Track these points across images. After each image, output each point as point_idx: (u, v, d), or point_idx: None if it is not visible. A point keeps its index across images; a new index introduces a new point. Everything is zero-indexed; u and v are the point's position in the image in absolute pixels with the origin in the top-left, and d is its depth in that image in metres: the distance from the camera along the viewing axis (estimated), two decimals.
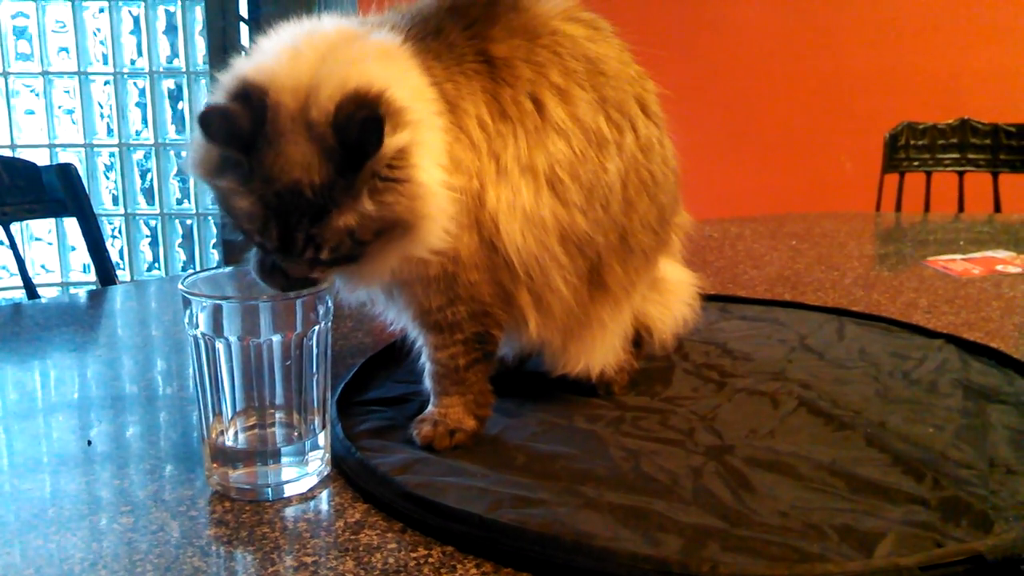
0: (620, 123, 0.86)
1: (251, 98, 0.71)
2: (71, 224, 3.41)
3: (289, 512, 0.74)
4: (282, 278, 0.77)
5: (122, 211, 3.46)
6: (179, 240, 3.56)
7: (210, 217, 3.49)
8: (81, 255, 3.42)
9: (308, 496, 0.77)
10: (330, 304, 0.78)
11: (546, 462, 0.81)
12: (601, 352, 0.92)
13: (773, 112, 2.91)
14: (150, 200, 3.50)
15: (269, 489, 0.77)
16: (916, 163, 2.23)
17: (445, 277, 0.82)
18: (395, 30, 0.81)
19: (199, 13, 3.34)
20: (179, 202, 3.51)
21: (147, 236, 3.54)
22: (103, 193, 3.46)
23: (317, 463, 0.79)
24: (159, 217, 3.50)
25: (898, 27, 2.86)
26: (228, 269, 0.83)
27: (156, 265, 3.54)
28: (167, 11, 3.36)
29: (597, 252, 0.86)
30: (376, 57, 0.75)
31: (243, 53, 0.80)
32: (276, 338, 0.75)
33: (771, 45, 2.89)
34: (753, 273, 1.49)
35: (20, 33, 3.36)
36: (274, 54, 0.75)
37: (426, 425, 0.85)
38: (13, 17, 3.34)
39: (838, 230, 1.84)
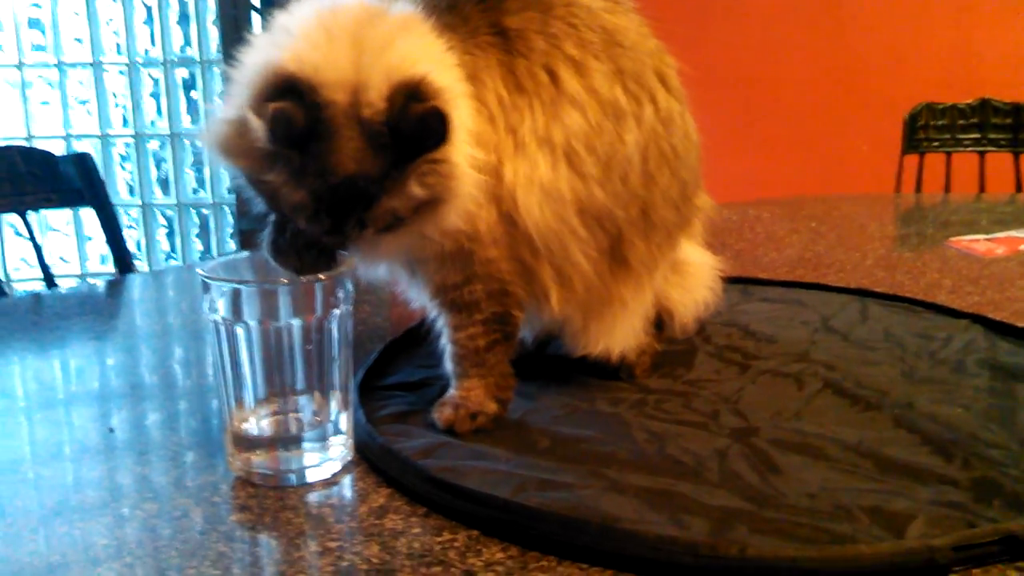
0: (638, 95, 0.85)
1: (303, 96, 0.70)
2: (88, 215, 3.46)
3: (312, 497, 0.74)
4: (296, 259, 0.77)
5: (139, 201, 3.47)
6: (196, 230, 3.57)
7: (226, 207, 3.50)
8: (99, 245, 3.44)
9: (331, 481, 0.77)
10: (350, 287, 0.78)
11: (570, 445, 0.81)
12: (622, 333, 0.91)
13: (789, 94, 2.88)
14: (166, 190, 3.51)
15: (292, 475, 0.76)
16: (936, 144, 2.20)
17: (462, 254, 0.81)
18: (412, 2, 0.80)
19: (212, 2, 3.34)
20: (195, 192, 3.52)
21: (164, 226, 3.55)
22: (119, 184, 3.47)
23: (340, 448, 0.79)
24: (176, 207, 3.50)
25: (915, 6, 2.82)
26: (245, 254, 0.82)
27: (173, 255, 3.55)
28: (180, 0, 3.35)
29: (617, 226, 0.85)
30: (407, 35, 0.75)
31: (263, 33, 0.78)
32: (296, 322, 0.75)
33: (786, 26, 2.86)
34: (774, 255, 1.48)
35: (34, 24, 3.37)
36: (307, 39, 0.74)
37: (447, 408, 0.84)
38: (29, 7, 3.35)
39: (858, 212, 1.82)
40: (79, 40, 3.38)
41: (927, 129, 2.18)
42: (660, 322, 0.97)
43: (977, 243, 1.52)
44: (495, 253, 0.82)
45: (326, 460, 0.78)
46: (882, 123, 2.40)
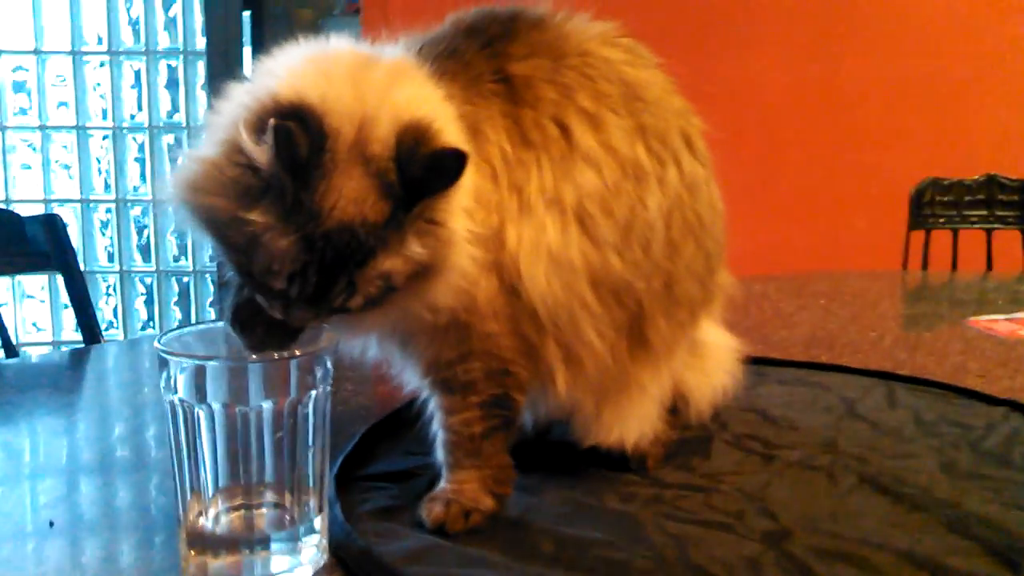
0: (662, 155, 0.76)
1: (308, 121, 0.61)
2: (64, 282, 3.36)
3: None
4: (262, 333, 0.67)
5: (117, 268, 3.37)
6: (175, 298, 3.46)
7: (207, 275, 3.40)
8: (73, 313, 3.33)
9: None
10: (329, 366, 0.68)
11: (578, 550, 0.70)
12: (638, 421, 0.81)
13: (789, 167, 2.83)
14: (146, 257, 3.41)
15: None
16: (942, 220, 2.14)
17: (458, 327, 0.72)
18: (407, 50, 0.72)
19: (201, 68, 3.29)
20: (176, 259, 3.42)
21: (142, 294, 3.44)
22: (99, 250, 3.37)
23: (312, 551, 0.68)
24: (155, 274, 3.40)
25: (916, 82, 2.80)
26: (207, 326, 0.72)
27: (151, 324, 3.44)
28: (169, 65, 3.31)
29: (638, 301, 0.76)
30: (404, 81, 0.67)
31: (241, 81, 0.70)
32: (267, 405, 0.65)
33: (787, 100, 2.82)
34: (784, 333, 1.39)
35: (19, 87, 3.31)
36: (301, 75, 0.66)
37: (437, 505, 0.74)
38: (13, 71, 3.29)
39: (868, 288, 1.74)
40: (64, 104, 3.31)
41: (933, 205, 2.12)
42: (674, 408, 0.88)
43: (997, 323, 1.43)
44: (495, 328, 0.72)
45: (296, 565, 0.67)
46: (882, 199, 2.34)
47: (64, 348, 3.30)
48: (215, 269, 3.32)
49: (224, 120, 0.66)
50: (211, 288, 3.40)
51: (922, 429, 0.96)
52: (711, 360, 0.89)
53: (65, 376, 1.29)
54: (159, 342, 0.65)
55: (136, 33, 3.29)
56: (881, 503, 0.79)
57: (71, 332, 3.35)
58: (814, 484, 0.83)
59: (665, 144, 0.77)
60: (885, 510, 0.77)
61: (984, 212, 2.13)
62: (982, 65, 2.74)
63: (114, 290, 3.38)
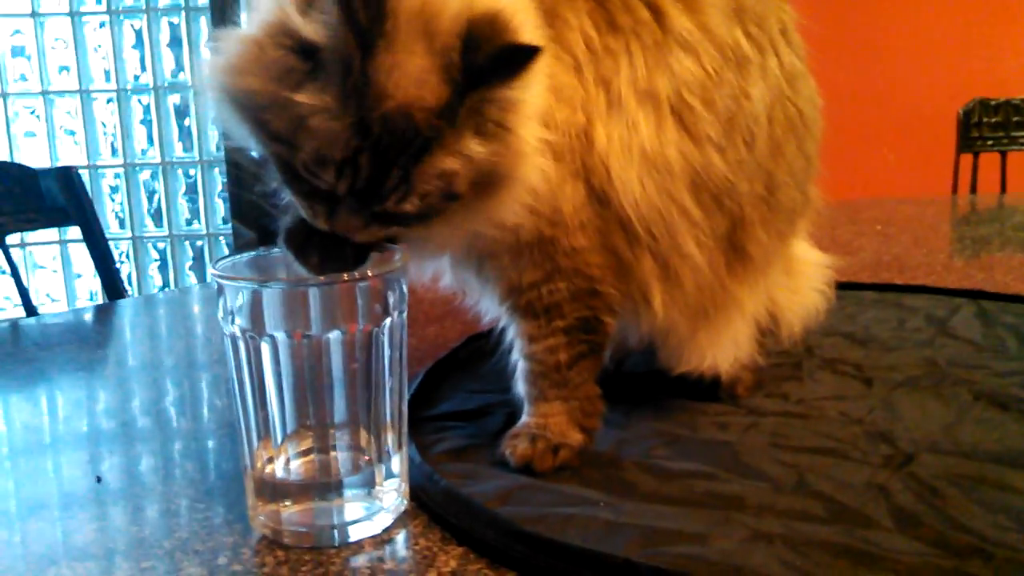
0: (761, 41, 0.68)
1: None
2: (76, 249, 3.29)
3: (361, 561, 0.57)
4: (319, 255, 0.60)
5: (129, 234, 3.29)
6: (190, 263, 3.39)
7: (221, 237, 3.32)
8: (87, 282, 3.26)
9: (383, 539, 0.59)
10: (405, 290, 0.61)
11: (682, 484, 0.63)
12: (733, 343, 0.74)
13: (827, 93, 2.74)
14: (158, 222, 3.33)
15: (334, 531, 0.59)
16: (990, 142, 2.04)
17: (541, 244, 0.64)
18: None
19: (204, 24, 3.18)
20: (188, 223, 3.34)
21: (156, 260, 3.37)
22: (109, 216, 3.29)
23: (392, 496, 0.61)
24: (168, 239, 3.33)
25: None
26: (266, 252, 0.64)
27: (166, 290, 3.37)
28: (171, 23, 3.20)
29: (740, 207, 0.68)
30: None
31: None
32: (335, 335, 0.58)
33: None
34: (849, 259, 1.31)
35: (18, 52, 3.21)
36: None
37: (522, 441, 0.67)
38: (12, 35, 3.19)
39: (923, 213, 1.66)
40: (65, 68, 3.22)
41: (980, 127, 2.02)
42: (765, 330, 0.80)
43: None
44: (583, 242, 0.65)
45: (376, 511, 0.60)
46: (929, 121, 2.25)
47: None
48: (231, 232, 3.25)
49: (266, 2, 0.58)
50: (226, 251, 3.33)
51: None
52: (803, 278, 0.82)
53: (93, 333, 1.22)
54: (215, 267, 0.58)
55: None
56: (1003, 419, 0.72)
57: (85, 302, 3.29)
58: (925, 405, 0.76)
59: (763, 29, 0.69)
60: (1010, 427, 0.70)
61: None
62: None
63: (127, 256, 3.31)
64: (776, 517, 0.58)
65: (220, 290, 0.57)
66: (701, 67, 0.65)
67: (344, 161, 0.54)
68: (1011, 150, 2.05)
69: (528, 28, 0.58)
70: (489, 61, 0.54)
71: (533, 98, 0.59)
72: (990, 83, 2.16)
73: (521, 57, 0.54)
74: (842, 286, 1.12)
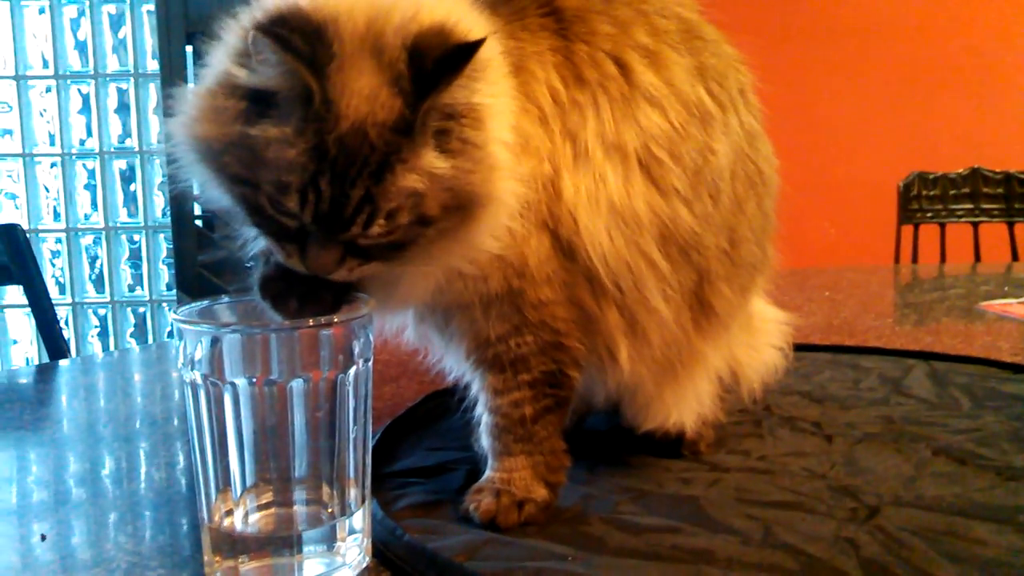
0: (723, 100, 0.69)
1: (309, 18, 0.54)
2: (13, 315, 3.19)
3: None
4: (297, 301, 0.59)
5: (69, 300, 3.22)
6: (130, 330, 3.31)
7: (165, 304, 3.26)
8: (23, 348, 3.17)
9: None
10: (371, 338, 0.60)
11: (651, 538, 0.62)
12: (697, 400, 0.74)
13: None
14: (99, 288, 3.26)
15: None
16: (929, 214, 2.11)
17: (510, 295, 0.64)
18: None
19: (153, 90, 3.17)
20: (131, 288, 3.28)
21: (96, 326, 3.29)
22: (48, 282, 3.21)
23: (355, 551, 0.59)
24: (109, 305, 3.25)
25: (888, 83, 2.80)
26: (231, 298, 0.63)
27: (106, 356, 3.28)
28: (119, 88, 3.18)
29: (706, 259, 0.68)
30: (436, 5, 0.58)
31: None
32: (298, 383, 0.56)
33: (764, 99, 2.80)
34: (800, 323, 1.33)
35: None
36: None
37: (486, 496, 0.66)
38: None
39: (868, 280, 1.70)
40: (8, 132, 3.17)
41: (920, 199, 2.09)
42: (725, 388, 0.81)
43: (1011, 307, 1.40)
44: (549, 294, 0.64)
45: (337, 567, 0.58)
46: (869, 196, 2.32)
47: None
48: (174, 299, 3.19)
49: (215, 56, 0.58)
50: (170, 318, 3.26)
51: (978, 403, 0.91)
52: (761, 335, 0.82)
53: (35, 392, 1.18)
54: (176, 312, 0.56)
55: (84, 55, 3.17)
56: (963, 473, 0.72)
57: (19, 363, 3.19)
58: (885, 461, 0.76)
59: (724, 88, 0.70)
60: (970, 480, 0.71)
61: (970, 205, 2.11)
62: (961, 59, 2.75)
63: (66, 323, 3.23)
64: (746, 570, 0.57)
65: (180, 335, 0.56)
66: (668, 121, 0.65)
67: (304, 186, 0.54)
68: (949, 222, 2.12)
69: (474, 33, 0.57)
70: (434, 64, 0.54)
71: (499, 109, 0.58)
72: (928, 158, 2.24)
73: (465, 52, 0.54)
74: (798, 347, 1.13)
